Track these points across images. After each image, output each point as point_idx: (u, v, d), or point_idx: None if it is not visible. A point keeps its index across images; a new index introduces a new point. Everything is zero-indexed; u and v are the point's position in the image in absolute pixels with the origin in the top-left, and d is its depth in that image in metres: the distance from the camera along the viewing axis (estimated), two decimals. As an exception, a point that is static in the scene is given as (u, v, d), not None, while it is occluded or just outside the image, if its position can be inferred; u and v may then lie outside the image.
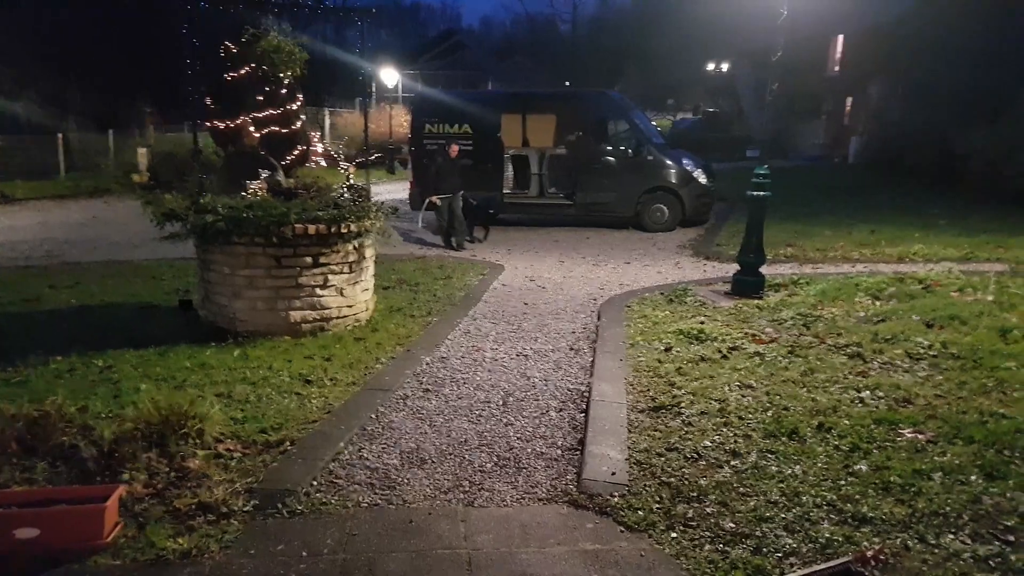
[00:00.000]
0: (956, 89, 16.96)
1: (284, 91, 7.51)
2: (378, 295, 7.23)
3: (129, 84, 24.62)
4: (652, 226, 13.25)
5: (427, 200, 11.76)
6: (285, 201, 6.23)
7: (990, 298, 6.29)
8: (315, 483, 3.66)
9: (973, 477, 3.56)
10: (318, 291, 6.18)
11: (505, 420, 4.52)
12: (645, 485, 3.65)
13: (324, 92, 29.03)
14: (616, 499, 3.51)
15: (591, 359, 5.69)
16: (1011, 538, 3.04)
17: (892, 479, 3.58)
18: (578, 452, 4.08)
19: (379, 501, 3.54)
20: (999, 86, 15.65)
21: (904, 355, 5.32)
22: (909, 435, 4.06)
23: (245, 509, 3.37)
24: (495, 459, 4.00)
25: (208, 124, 7.75)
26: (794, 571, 2.87)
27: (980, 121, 15.27)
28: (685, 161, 13.52)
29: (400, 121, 27.25)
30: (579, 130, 14.04)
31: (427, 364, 5.55)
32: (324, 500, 3.51)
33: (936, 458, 3.77)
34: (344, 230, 6.15)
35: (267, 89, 7.37)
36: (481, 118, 13.67)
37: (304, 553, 3.08)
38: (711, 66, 39.09)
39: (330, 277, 6.21)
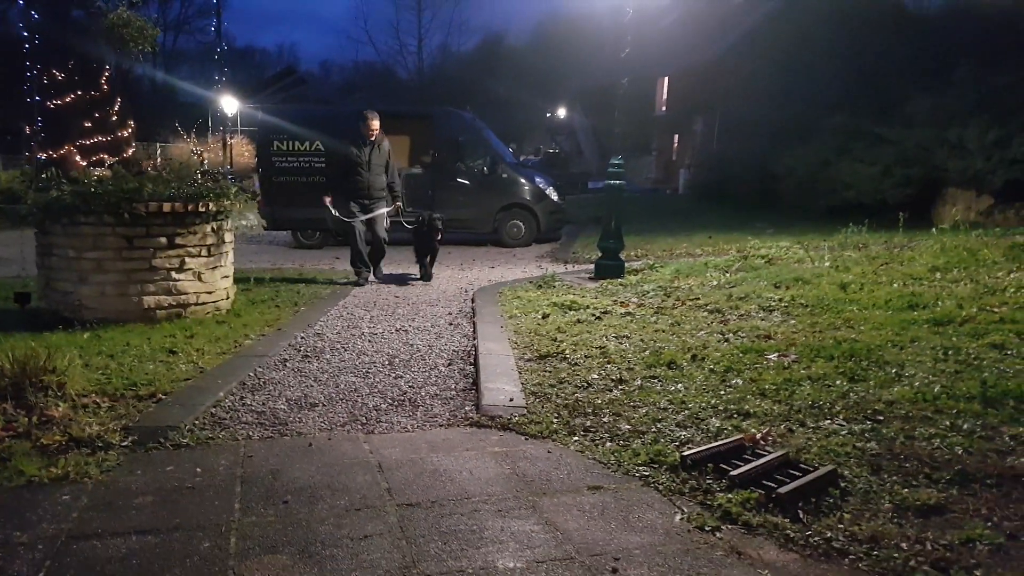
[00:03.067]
0: (769, 120, 19.05)
1: (114, 117, 7.03)
2: (237, 289, 6.81)
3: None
4: (510, 241, 13.57)
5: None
6: (138, 176, 5.76)
7: (827, 264, 7.06)
8: (198, 422, 3.36)
9: (839, 382, 3.92)
10: (174, 275, 5.71)
11: (394, 375, 4.39)
12: (543, 407, 3.69)
13: (157, 125, 27.33)
14: (517, 418, 3.52)
15: (472, 330, 5.69)
16: (880, 418, 3.37)
17: (766, 387, 3.87)
18: (473, 391, 4.05)
19: (271, 435, 3.30)
20: (804, 115, 17.76)
21: (758, 308, 5.80)
22: (775, 358, 4.41)
23: (124, 444, 3.02)
24: (389, 401, 3.87)
25: (27, 155, 7.08)
26: (691, 449, 3.00)
27: (792, 146, 17.17)
28: (538, 179, 14.06)
29: (240, 151, 26.16)
30: (433, 149, 14.20)
31: (302, 338, 5.28)
32: (211, 435, 3.23)
33: (803, 371, 4.12)
34: (202, 209, 5.76)
35: (96, 115, 6.87)
36: (333, 136, 13.43)
37: (198, 470, 2.81)
38: (548, 113, 41.27)
39: (187, 260, 5.77)
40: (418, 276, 8.69)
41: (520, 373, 4.31)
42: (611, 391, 3.94)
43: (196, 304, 5.85)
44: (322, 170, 12.79)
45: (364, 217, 8.06)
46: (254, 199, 19.45)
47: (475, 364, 4.55)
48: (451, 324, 5.97)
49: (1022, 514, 2.46)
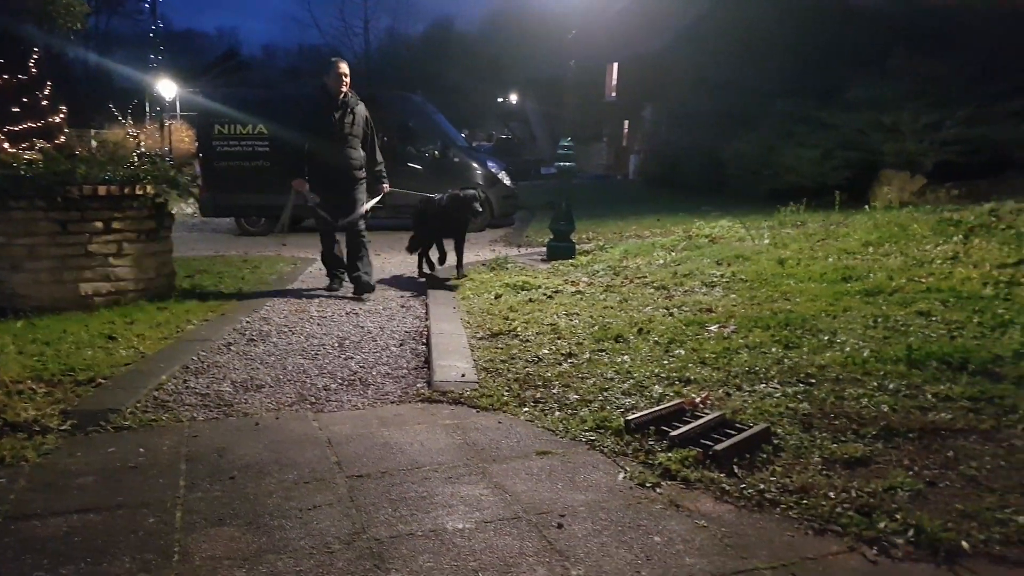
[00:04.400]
0: (716, 107, 19.41)
1: (45, 101, 6.74)
2: (179, 275, 6.67)
3: None
4: (462, 226, 13.56)
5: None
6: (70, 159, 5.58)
7: (767, 241, 7.28)
8: (140, 405, 3.31)
9: (774, 349, 4.06)
10: (112, 260, 5.56)
11: (344, 356, 4.38)
12: (494, 381, 3.74)
13: (92, 111, 26.32)
14: (468, 392, 3.56)
15: (424, 312, 5.70)
16: (812, 381, 3.51)
17: (707, 356, 3.99)
18: (425, 369, 4.08)
19: (216, 416, 3.28)
20: (750, 102, 18.15)
21: (701, 284, 5.96)
22: (715, 329, 4.55)
23: (63, 428, 2.96)
24: (339, 381, 3.87)
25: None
26: (635, 414, 3.09)
27: (738, 132, 17.53)
28: (490, 163, 14.06)
29: (180, 136, 25.42)
30: (383, 133, 14.03)
31: (247, 322, 5.21)
32: (154, 417, 3.19)
33: (740, 340, 4.26)
34: (140, 192, 5.62)
35: (24, 100, 6.58)
36: (279, 119, 13.15)
37: (142, 450, 2.78)
38: (500, 99, 41.22)
39: (125, 245, 5.62)
40: (422, 277, 7.26)
41: (472, 351, 4.35)
42: (561, 364, 4.01)
43: (135, 290, 5.71)
44: (266, 154, 12.55)
45: (347, 220, 6.22)
46: (194, 184, 18.80)
47: (427, 343, 4.57)
48: (403, 306, 5.97)
49: (940, 463, 2.61)
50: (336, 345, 4.62)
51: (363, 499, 2.49)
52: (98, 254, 5.49)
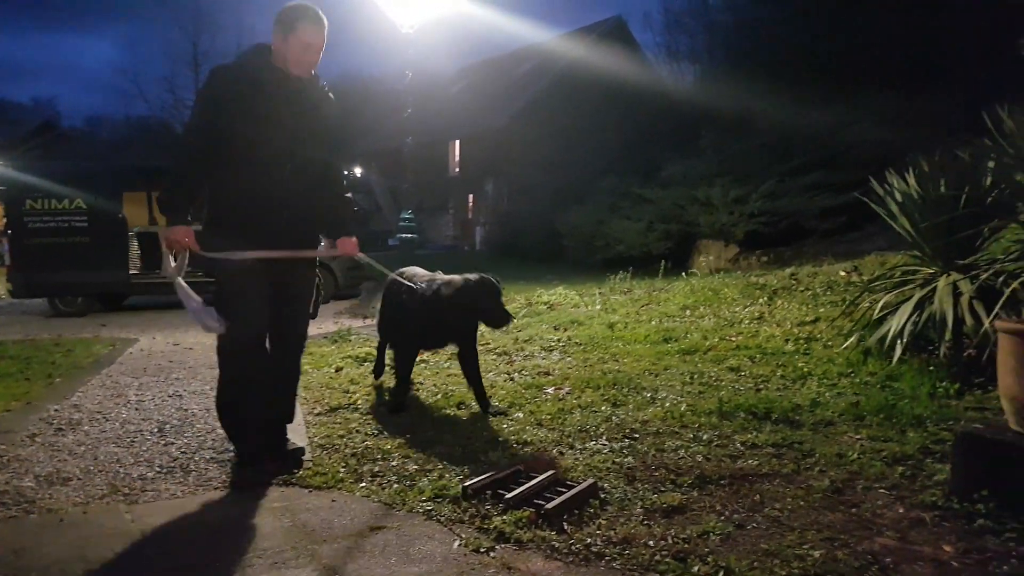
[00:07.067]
0: (551, 182, 20.64)
1: None
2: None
3: None
4: (305, 300, 13.17)
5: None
6: None
7: (598, 307, 7.73)
8: (-91, 512, 2.87)
9: (603, 407, 4.29)
10: None
11: (164, 442, 4.06)
12: (330, 458, 3.63)
13: None
14: (300, 472, 3.42)
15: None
16: (636, 435, 3.74)
17: (543, 418, 4.14)
18: (254, 451, 3.87)
19: (16, 514, 2.92)
20: (581, 178, 19.45)
21: (540, 348, 6.19)
22: (552, 391, 4.74)
23: None
24: (157, 469, 3.58)
25: None
26: (472, 480, 3.12)
27: (572, 206, 18.63)
28: (333, 236, 13.87)
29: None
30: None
31: (56, 411, 4.72)
32: (-73, 524, 2.77)
33: (574, 401, 4.46)
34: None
35: None
36: (98, 194, 12.29)
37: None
38: (346, 172, 41.12)
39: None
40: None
41: (308, 427, 4.21)
42: (401, 436, 3.97)
43: (-84, 382, 5.01)
44: (83, 230, 11.66)
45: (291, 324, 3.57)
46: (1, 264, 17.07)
47: (258, 423, 4.36)
48: (234, 385, 5.67)
49: (748, 506, 2.85)
50: (156, 431, 4.29)
51: (179, 595, 2.31)
52: None
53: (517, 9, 25.48)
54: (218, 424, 4.40)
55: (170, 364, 6.72)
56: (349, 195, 3.74)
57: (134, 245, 13.02)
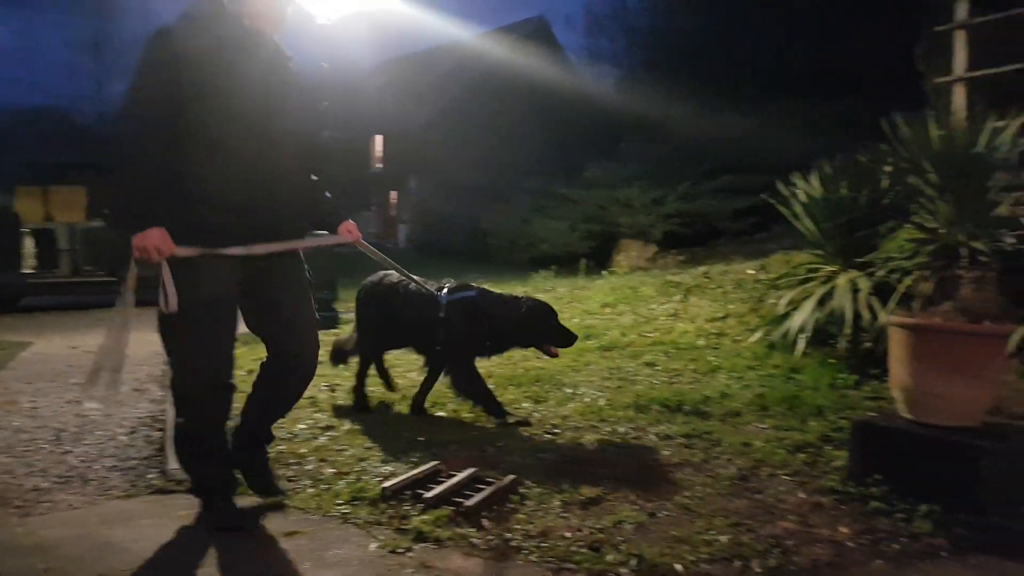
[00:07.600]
0: (475, 181, 20.65)
1: None
2: None
3: None
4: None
5: None
6: None
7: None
8: None
9: (525, 404, 4.34)
10: None
11: (61, 451, 3.83)
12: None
13: None
14: (210, 479, 3.29)
15: (162, 395, 5.20)
16: (557, 431, 3.78)
17: (465, 417, 4.17)
18: (159, 457, 3.70)
19: None
20: (505, 178, 19.56)
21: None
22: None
23: None
24: (53, 479, 3.37)
25: None
26: (391, 481, 3.08)
27: (496, 205, 18.70)
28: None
29: None
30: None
31: (-64, 422, 4.37)
32: None
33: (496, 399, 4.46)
34: None
35: None
36: None
37: None
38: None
39: None
40: None
41: (218, 432, 4.05)
42: (317, 438, 3.88)
43: None
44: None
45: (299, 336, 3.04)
46: None
47: (164, 430, 4.17)
48: (137, 390, 5.42)
49: (660, 495, 2.93)
50: (52, 439, 4.04)
51: (74, 612, 2.17)
52: None
53: (436, 5, 25.29)
54: (120, 430, 4.23)
55: (68, 368, 6.34)
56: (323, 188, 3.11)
57: (29, 243, 12.23)
